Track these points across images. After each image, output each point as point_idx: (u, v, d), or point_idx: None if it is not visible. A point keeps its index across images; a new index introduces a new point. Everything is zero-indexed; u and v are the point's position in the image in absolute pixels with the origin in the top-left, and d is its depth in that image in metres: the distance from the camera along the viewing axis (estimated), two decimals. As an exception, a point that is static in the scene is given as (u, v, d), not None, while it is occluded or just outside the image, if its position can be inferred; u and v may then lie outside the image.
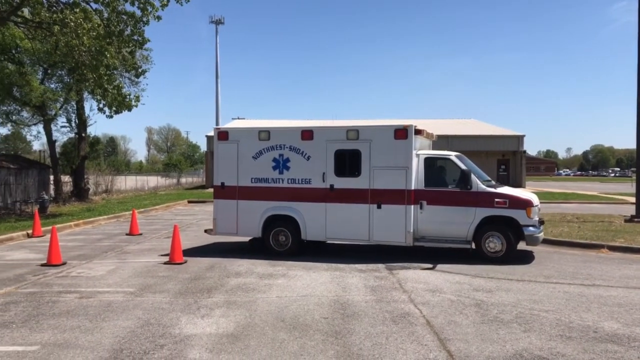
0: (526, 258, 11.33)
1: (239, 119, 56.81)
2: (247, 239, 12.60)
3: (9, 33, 23.64)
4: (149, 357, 5.43)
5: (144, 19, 19.17)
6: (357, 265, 10.51)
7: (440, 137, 49.03)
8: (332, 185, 11.44)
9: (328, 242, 12.31)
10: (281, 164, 11.77)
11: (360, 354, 5.53)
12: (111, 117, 21.28)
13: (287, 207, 11.74)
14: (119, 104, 20.58)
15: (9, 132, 42.13)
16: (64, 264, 10.70)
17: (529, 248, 11.90)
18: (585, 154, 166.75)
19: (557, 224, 16.38)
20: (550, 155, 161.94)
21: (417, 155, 11.20)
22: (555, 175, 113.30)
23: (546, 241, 13.34)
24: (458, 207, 10.94)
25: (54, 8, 19.09)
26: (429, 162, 11.32)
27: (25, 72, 24.87)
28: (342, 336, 6.11)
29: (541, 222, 11.40)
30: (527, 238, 10.75)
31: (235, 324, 6.58)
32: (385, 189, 11.10)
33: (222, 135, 12.29)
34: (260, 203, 11.85)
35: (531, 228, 10.75)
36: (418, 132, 11.19)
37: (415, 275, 9.55)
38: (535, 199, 11.11)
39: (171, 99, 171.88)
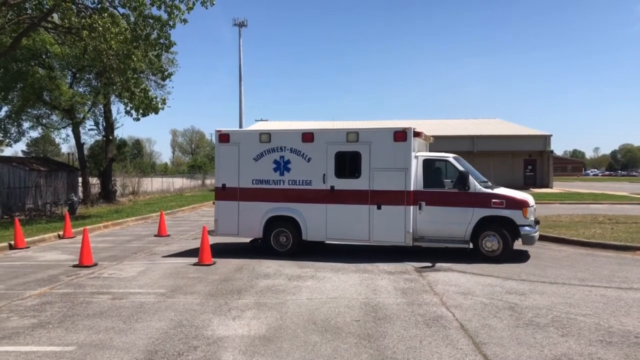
0: (556, 259, 11.12)
1: (262, 120, 57.03)
2: (246, 240, 12.78)
3: (40, 38, 24.15)
4: (183, 359, 5.45)
5: (170, 23, 19.38)
6: (385, 267, 10.43)
7: (464, 137, 48.38)
8: (332, 187, 11.61)
9: (327, 242, 12.47)
10: (282, 166, 11.93)
11: (395, 358, 5.47)
12: (138, 119, 21.56)
13: (288, 208, 11.90)
14: (146, 106, 20.84)
15: (39, 135, 43.03)
16: (95, 265, 10.85)
17: (525, 247, 12.00)
18: (613, 153, 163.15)
19: (589, 225, 16.03)
20: (577, 155, 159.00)
21: (416, 157, 11.43)
22: (582, 176, 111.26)
23: (578, 243, 13.11)
24: (456, 207, 11.16)
25: (83, 13, 19.41)
26: (428, 163, 11.54)
27: (54, 77, 25.38)
28: (375, 339, 6.05)
29: (537, 222, 11.55)
30: (523, 237, 11.00)
31: (266, 326, 6.57)
32: (385, 190, 11.29)
33: (224, 137, 12.39)
34: (262, 204, 12.01)
35: (527, 228, 10.98)
36: (417, 134, 11.43)
37: (446, 278, 9.44)
38: (531, 200, 11.34)
39: (195, 101, 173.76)
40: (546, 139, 43.46)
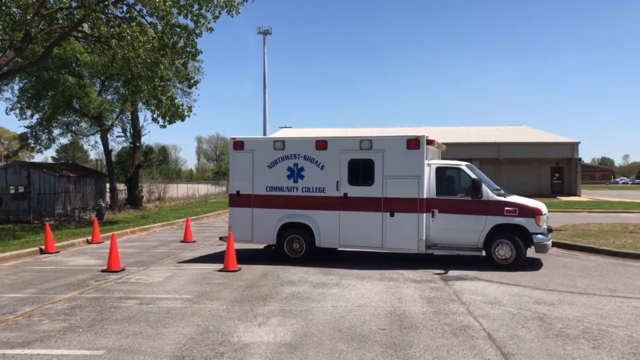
0: (586, 269, 10.90)
1: (285, 127, 57.28)
2: (261, 246, 12.93)
3: (70, 47, 24.73)
4: (210, 365, 5.49)
5: (197, 31, 19.66)
6: (410, 275, 10.37)
7: (489, 144, 47.81)
8: (345, 194, 11.71)
9: (339, 249, 12.56)
10: (296, 173, 12.06)
11: (422, 367, 5.42)
12: (164, 127, 21.86)
13: (301, 215, 12.02)
14: (173, 114, 21.14)
15: (69, 142, 43.89)
16: (123, 270, 11.01)
17: (537, 255, 11.89)
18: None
19: (619, 235, 15.68)
20: (605, 163, 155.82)
21: (429, 165, 11.49)
22: (611, 184, 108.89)
23: (609, 252, 12.84)
24: (469, 215, 11.21)
25: (112, 23, 19.83)
26: (441, 171, 11.59)
27: (84, 85, 25.93)
28: (402, 348, 6.01)
29: (549, 230, 11.58)
30: (536, 245, 10.98)
31: (292, 333, 6.58)
32: (397, 197, 11.37)
33: (238, 144, 12.54)
34: (275, 211, 12.13)
35: (540, 236, 10.98)
36: (429, 142, 11.53)
37: (472, 287, 9.32)
38: (543, 208, 11.34)
39: (220, 108, 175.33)
40: (574, 146, 42.73)
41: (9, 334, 6.57)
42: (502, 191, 11.89)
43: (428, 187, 11.34)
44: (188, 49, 20.42)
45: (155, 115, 21.71)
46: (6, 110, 27.30)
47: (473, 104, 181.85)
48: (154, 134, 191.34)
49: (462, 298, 8.46)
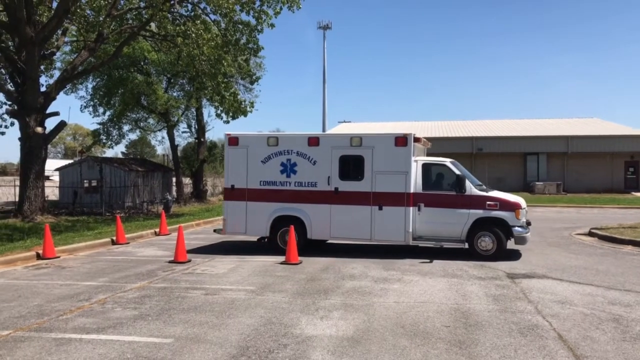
0: (668, 270, 10.25)
1: (344, 122, 57.20)
2: (255, 238, 13.35)
3: (139, 46, 25.74)
4: (273, 356, 5.56)
5: (259, 28, 20.00)
6: (475, 272, 10.12)
7: (557, 137, 46.08)
8: (336, 188, 12.17)
9: (329, 241, 13.06)
10: (289, 168, 12.48)
11: (488, 367, 5.26)
12: (228, 122, 22.42)
13: (294, 208, 12.45)
14: (235, 110, 21.61)
15: (137, 138, 45.81)
16: (189, 261, 11.36)
17: (517, 247, 12.42)
18: None
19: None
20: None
21: (416, 161, 11.99)
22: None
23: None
24: (453, 209, 11.78)
25: (178, 21, 20.48)
26: (427, 167, 12.14)
27: (151, 82, 26.93)
28: (467, 346, 5.86)
29: (528, 223, 12.09)
30: (516, 238, 11.61)
31: (354, 328, 6.56)
32: (386, 192, 11.91)
33: (233, 140, 12.90)
34: (269, 204, 12.56)
35: (519, 228, 11.58)
36: (416, 139, 12.06)
37: (541, 285, 8.98)
38: (523, 202, 11.97)
39: (281, 103, 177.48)
40: (651, 138, 40.25)
41: (85, 320, 6.92)
42: (484, 186, 12.43)
43: (415, 182, 11.85)
44: (250, 46, 20.82)
45: (219, 111, 22.28)
46: (80, 107, 28.97)
47: (540, 97, 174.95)
48: (218, 130, 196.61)
49: (530, 296, 8.16)
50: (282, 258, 11.28)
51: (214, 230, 14.04)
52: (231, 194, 12.90)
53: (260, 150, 12.63)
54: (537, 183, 39.11)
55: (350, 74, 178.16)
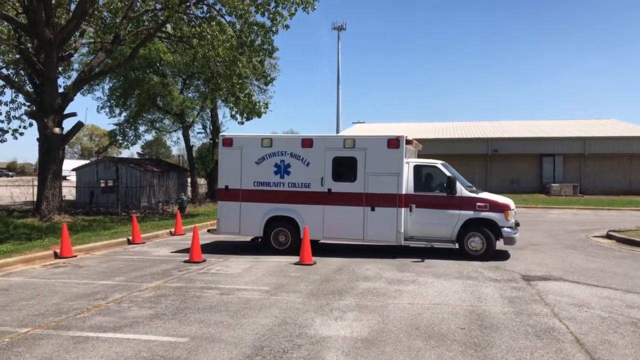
0: (688, 274, 10.09)
1: (359, 123, 57.12)
2: (249, 238, 13.49)
3: (155, 48, 25.95)
4: (288, 357, 5.58)
5: (273, 29, 20.04)
6: (490, 274, 10.05)
7: (573, 139, 45.46)
8: (329, 189, 12.34)
9: (321, 241, 13.09)
10: (282, 169, 12.62)
11: (504, 369, 5.23)
12: (242, 123, 22.51)
13: (287, 208, 12.60)
14: (250, 111, 21.70)
15: (153, 138, 46.19)
16: (204, 261, 11.43)
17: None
18: None
19: None
20: None
21: (407, 163, 12.17)
22: None
23: None
24: (444, 210, 11.98)
25: (193, 22, 20.61)
26: (418, 169, 12.35)
27: (167, 83, 27.16)
28: (482, 349, 5.82)
29: (517, 224, 12.21)
30: (505, 238, 11.78)
31: (369, 329, 6.56)
32: (378, 193, 12.07)
33: (227, 141, 13.06)
34: (262, 205, 12.70)
35: (508, 229, 11.77)
36: (408, 142, 12.22)
37: (557, 288, 8.89)
38: (512, 204, 12.16)
39: (295, 104, 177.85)
40: (670, 140, 39.61)
41: (102, 319, 7.00)
42: (474, 188, 12.61)
43: (406, 183, 12.03)
44: (265, 47, 20.87)
45: (233, 112, 22.39)
46: (97, 108, 29.24)
47: (556, 97, 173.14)
48: (232, 131, 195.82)
49: (546, 299, 8.09)
50: (296, 259, 11.31)
51: (208, 230, 14.22)
52: (225, 194, 13.03)
53: (255, 152, 12.76)
54: (553, 185, 38.70)
55: (365, 74, 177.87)
